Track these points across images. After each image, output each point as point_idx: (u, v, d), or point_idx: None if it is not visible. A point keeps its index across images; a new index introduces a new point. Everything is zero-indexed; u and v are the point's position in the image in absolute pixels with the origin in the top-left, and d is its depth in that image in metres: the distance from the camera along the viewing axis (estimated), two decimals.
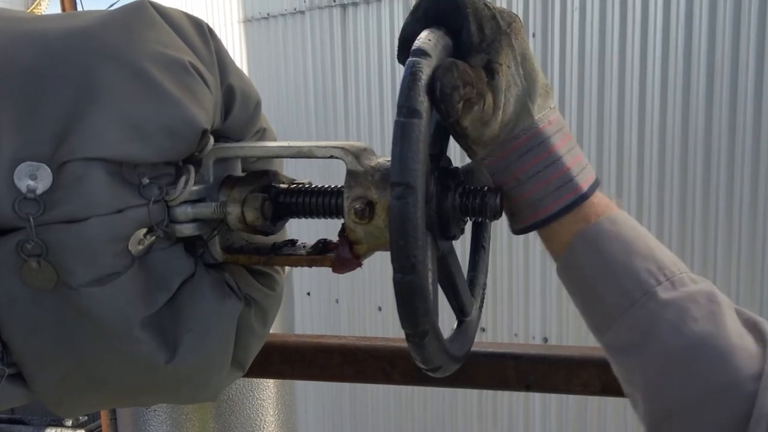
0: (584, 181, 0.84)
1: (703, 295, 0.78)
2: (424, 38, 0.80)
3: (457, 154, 0.94)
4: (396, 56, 0.87)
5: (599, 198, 0.85)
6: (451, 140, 0.91)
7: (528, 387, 1.17)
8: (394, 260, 0.75)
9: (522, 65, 0.84)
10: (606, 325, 0.81)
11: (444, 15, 0.83)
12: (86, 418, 5.89)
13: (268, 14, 5.27)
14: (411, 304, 0.76)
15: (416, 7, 0.85)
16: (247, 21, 5.41)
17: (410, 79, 0.76)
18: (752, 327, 0.75)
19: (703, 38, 3.54)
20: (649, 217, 3.76)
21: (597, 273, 0.81)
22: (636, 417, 0.83)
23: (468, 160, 0.92)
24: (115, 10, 0.90)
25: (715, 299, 0.77)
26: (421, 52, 0.78)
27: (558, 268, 0.87)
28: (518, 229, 0.88)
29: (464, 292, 0.97)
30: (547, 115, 0.85)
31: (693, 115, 3.60)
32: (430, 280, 0.79)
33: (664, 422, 0.76)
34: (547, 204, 0.83)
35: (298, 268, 0.98)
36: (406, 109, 0.75)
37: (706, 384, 0.72)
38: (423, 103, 0.75)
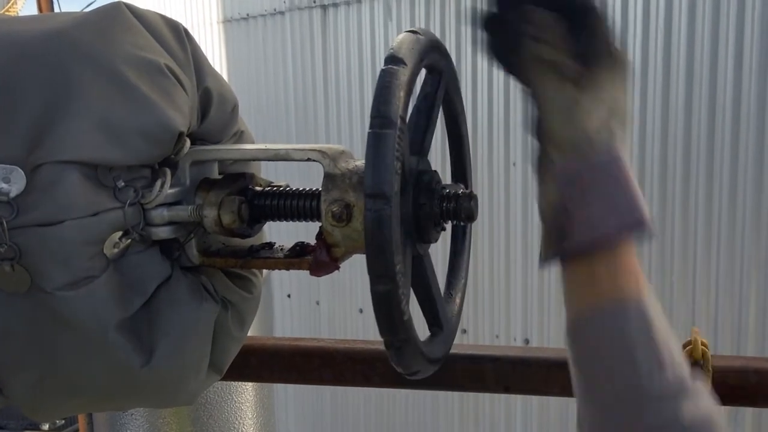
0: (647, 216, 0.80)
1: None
2: (399, 42, 0.79)
3: (438, 154, 0.94)
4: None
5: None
6: (435, 136, 0.91)
7: (507, 389, 1.17)
8: (370, 270, 0.74)
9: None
10: (632, 385, 0.77)
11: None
12: (63, 422, 5.85)
13: (247, 15, 5.25)
14: (388, 313, 0.76)
15: None
16: (227, 21, 5.39)
17: (383, 87, 0.75)
18: None
19: (682, 42, 3.56)
20: None
21: (641, 336, 0.78)
22: None
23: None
24: (90, 12, 0.90)
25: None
26: (396, 59, 0.78)
27: (594, 312, 0.80)
28: (570, 248, 0.80)
29: (438, 301, 0.97)
30: (621, 144, 0.81)
31: (672, 117, 3.62)
32: (407, 288, 0.79)
33: None
34: (609, 225, 0.78)
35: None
36: (379, 120, 0.74)
37: None
38: (397, 111, 0.75)
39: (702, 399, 0.76)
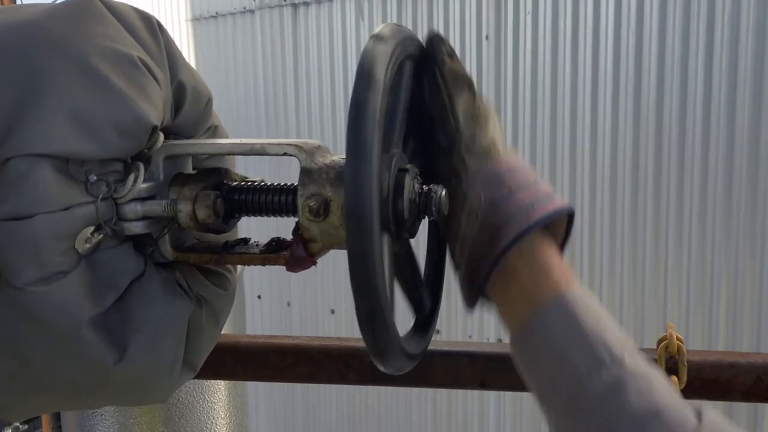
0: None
1: (660, 372, 0.79)
2: (382, 27, 0.81)
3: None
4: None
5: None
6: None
7: (483, 385, 1.17)
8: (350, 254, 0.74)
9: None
10: (574, 388, 0.79)
11: None
12: (26, 427, 5.70)
13: (216, 13, 5.21)
14: (374, 332, 0.76)
15: None
16: (195, 20, 5.34)
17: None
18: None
19: (654, 43, 3.59)
20: (602, 217, 3.80)
21: (569, 336, 0.80)
22: None
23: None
24: (61, 3, 0.88)
25: (669, 379, 0.79)
26: (380, 38, 0.79)
27: (523, 327, 0.84)
28: (510, 238, 0.85)
29: (420, 287, 0.97)
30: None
31: (644, 117, 3.65)
32: (386, 277, 0.78)
33: None
34: (539, 206, 0.85)
35: (249, 270, 0.97)
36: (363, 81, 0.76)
37: None
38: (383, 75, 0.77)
39: (650, 381, 0.76)
